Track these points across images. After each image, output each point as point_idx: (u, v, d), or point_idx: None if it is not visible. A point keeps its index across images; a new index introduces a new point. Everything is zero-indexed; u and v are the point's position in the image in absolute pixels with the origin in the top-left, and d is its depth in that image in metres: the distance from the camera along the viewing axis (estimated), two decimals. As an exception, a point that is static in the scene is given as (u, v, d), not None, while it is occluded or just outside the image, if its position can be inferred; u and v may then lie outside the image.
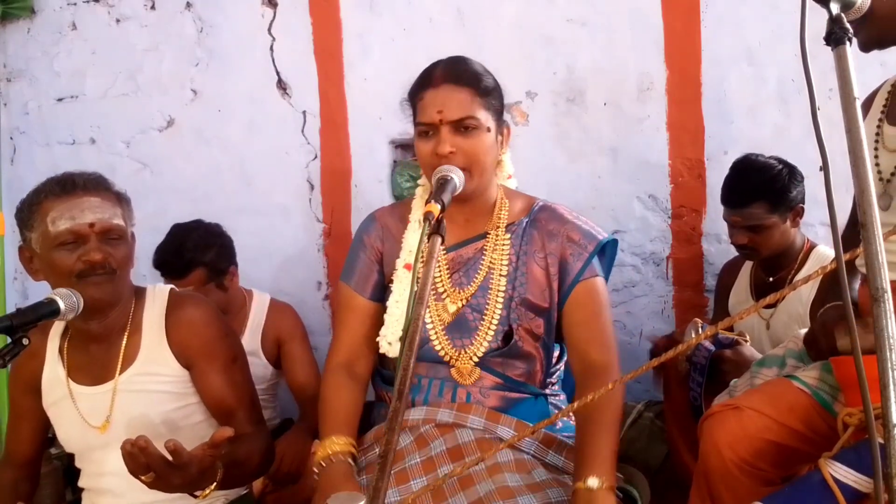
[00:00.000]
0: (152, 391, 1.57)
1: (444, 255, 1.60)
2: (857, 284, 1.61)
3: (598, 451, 1.33)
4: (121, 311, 1.57)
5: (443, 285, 1.59)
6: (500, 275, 1.56)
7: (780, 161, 2.20)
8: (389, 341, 1.56)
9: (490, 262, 1.58)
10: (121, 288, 1.54)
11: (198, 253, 2.28)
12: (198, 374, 1.59)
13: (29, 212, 1.49)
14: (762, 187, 2.14)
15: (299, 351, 2.45)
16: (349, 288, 1.64)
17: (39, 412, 1.64)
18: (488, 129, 1.49)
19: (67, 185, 1.49)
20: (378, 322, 1.60)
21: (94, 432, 1.57)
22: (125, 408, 1.56)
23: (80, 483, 1.66)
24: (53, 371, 1.61)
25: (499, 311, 1.54)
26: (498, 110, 1.53)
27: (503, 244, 1.58)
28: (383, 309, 1.61)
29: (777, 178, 2.15)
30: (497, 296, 1.55)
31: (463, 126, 1.46)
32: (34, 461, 1.72)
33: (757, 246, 2.20)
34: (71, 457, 1.71)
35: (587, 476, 1.29)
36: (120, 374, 1.56)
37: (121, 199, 1.56)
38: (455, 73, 1.50)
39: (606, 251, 1.63)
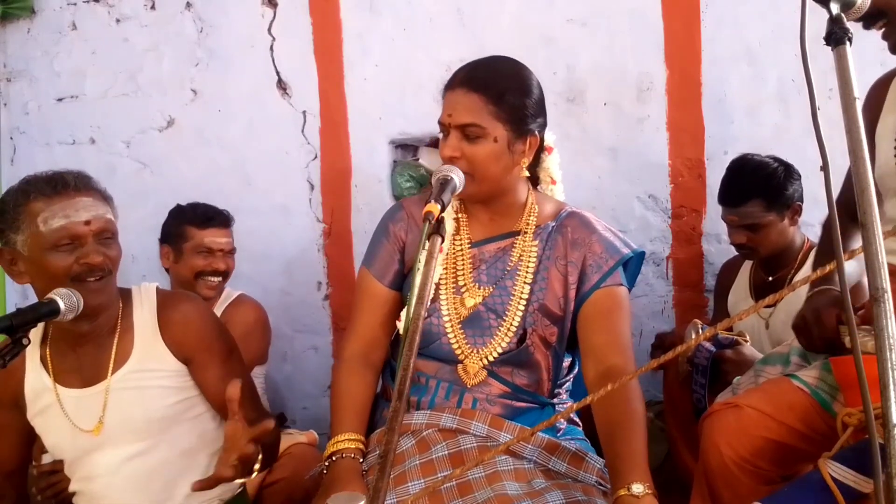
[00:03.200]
0: (150, 387, 1.56)
1: (469, 249, 1.60)
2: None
3: (635, 457, 1.32)
4: (109, 311, 1.55)
5: (464, 279, 1.58)
6: (525, 282, 1.55)
7: (776, 159, 2.20)
8: None
9: (515, 265, 1.57)
10: (114, 288, 1.53)
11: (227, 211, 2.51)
12: (197, 368, 1.59)
13: (14, 213, 1.44)
14: (758, 185, 2.15)
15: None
16: (370, 274, 1.64)
17: (22, 426, 1.61)
18: (495, 139, 1.46)
19: (58, 185, 1.45)
20: (395, 310, 1.62)
21: (86, 436, 1.54)
22: (120, 406, 1.54)
23: (72, 488, 1.64)
24: (38, 380, 1.57)
25: (519, 316, 1.54)
26: (516, 119, 1.48)
27: (530, 249, 1.57)
28: (402, 298, 1.61)
29: (772, 176, 2.15)
30: (519, 302, 1.54)
31: (467, 132, 1.46)
32: (20, 471, 1.69)
33: (755, 245, 2.20)
34: None
35: (630, 482, 1.26)
36: (113, 373, 1.55)
37: (107, 198, 1.54)
38: (472, 77, 1.49)
39: (631, 264, 1.61)
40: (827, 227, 1.74)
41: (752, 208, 2.15)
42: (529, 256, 1.57)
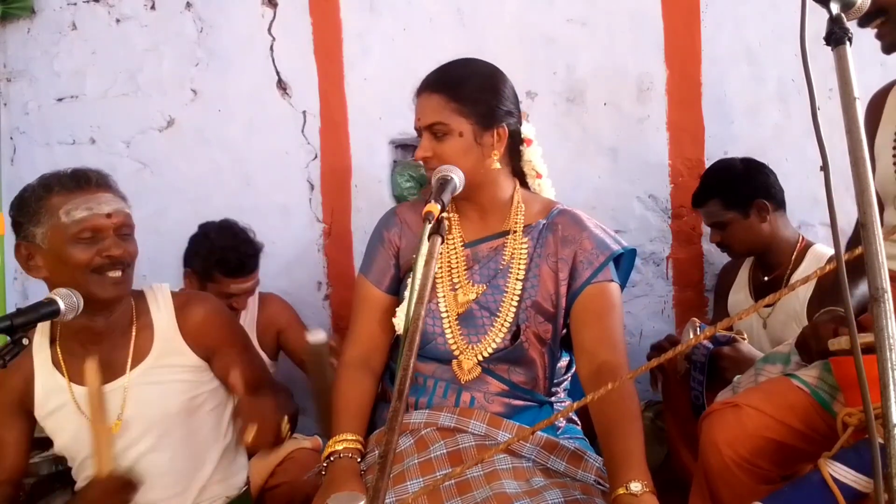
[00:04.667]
0: (169, 381, 1.59)
1: (462, 249, 1.63)
2: (862, 287, 1.58)
3: (632, 455, 1.32)
4: (123, 308, 1.58)
5: (458, 276, 1.60)
6: (517, 279, 1.57)
7: (745, 160, 2.27)
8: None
9: (507, 263, 1.59)
10: (131, 283, 1.56)
11: (257, 247, 2.42)
12: (221, 360, 1.63)
13: (36, 206, 1.46)
14: (713, 185, 2.25)
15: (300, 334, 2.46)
16: (367, 281, 1.67)
17: (27, 428, 1.62)
18: (460, 134, 1.52)
19: (81, 180, 1.49)
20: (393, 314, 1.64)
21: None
22: (138, 401, 1.56)
23: (78, 488, 1.64)
24: (50, 381, 1.58)
25: (512, 313, 1.55)
26: (480, 113, 1.53)
27: (521, 247, 1.59)
28: (399, 302, 1.63)
29: (728, 176, 2.24)
30: (512, 299, 1.56)
31: (434, 131, 1.52)
32: (21, 473, 1.69)
33: (728, 242, 2.28)
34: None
35: (628, 481, 1.27)
36: (132, 369, 1.57)
37: (124, 197, 1.57)
38: (434, 79, 1.57)
39: (623, 261, 1.63)
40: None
41: (711, 208, 2.25)
42: (521, 254, 1.59)
